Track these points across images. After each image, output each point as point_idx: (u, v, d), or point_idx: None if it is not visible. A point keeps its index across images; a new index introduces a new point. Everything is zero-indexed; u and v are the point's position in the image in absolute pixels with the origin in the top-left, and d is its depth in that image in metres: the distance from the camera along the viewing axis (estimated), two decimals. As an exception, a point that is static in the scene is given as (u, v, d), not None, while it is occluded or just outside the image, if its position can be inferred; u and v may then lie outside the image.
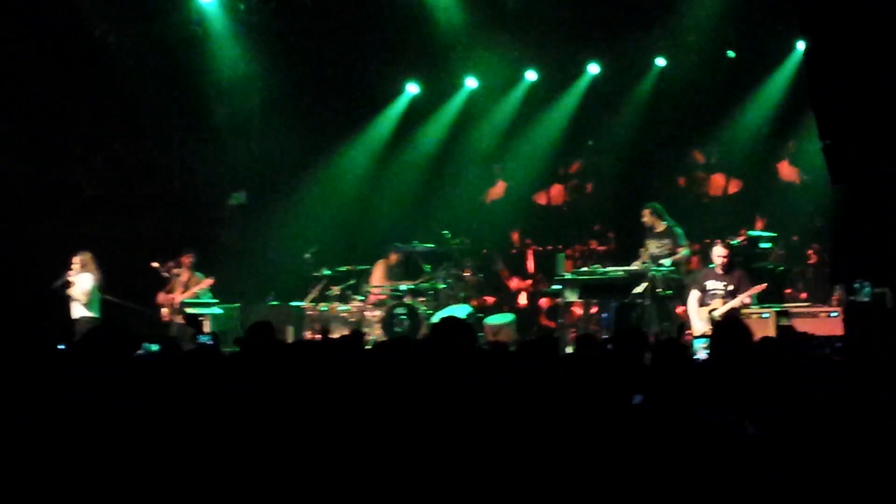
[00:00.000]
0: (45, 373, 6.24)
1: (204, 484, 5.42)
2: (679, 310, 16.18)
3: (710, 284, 15.00)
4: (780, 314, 14.43)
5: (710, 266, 15.49)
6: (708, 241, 18.88)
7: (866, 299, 13.38)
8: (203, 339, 11.54)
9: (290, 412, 5.89)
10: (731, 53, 19.44)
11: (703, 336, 13.90)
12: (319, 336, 15.13)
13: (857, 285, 13.57)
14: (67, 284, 16.92)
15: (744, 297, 14.70)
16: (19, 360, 6.52)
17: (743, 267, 15.87)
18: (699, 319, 14.91)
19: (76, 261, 16.95)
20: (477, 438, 5.43)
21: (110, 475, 5.27)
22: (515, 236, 22.55)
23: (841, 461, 5.08)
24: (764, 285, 14.93)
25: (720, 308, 14.71)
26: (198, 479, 5.44)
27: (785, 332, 7.82)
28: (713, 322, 14.46)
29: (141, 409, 5.82)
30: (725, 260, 15.01)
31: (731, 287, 14.83)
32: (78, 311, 16.89)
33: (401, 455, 5.33)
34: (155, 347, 9.89)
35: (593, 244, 21.54)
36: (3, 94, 18.66)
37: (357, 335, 13.01)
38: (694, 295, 15.19)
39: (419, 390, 5.95)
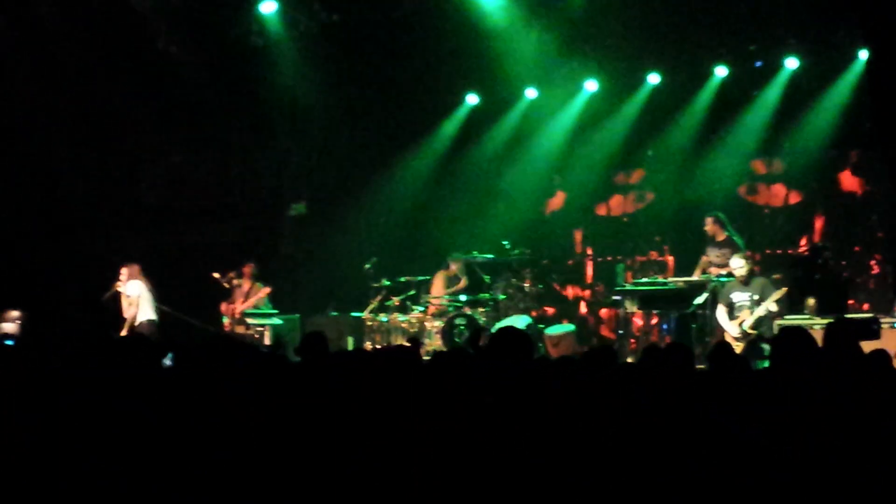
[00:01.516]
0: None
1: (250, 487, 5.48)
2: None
3: (736, 297, 14.88)
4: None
5: (733, 279, 15.44)
6: (769, 251, 18.79)
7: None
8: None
9: (344, 420, 5.92)
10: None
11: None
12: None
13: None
14: (117, 295, 17.01)
15: (767, 305, 14.54)
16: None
17: (806, 277, 15.76)
18: (732, 335, 14.77)
19: (124, 272, 17.03)
20: (530, 445, 5.45)
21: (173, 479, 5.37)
22: (578, 246, 22.47)
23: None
24: (784, 290, 14.79)
25: (748, 319, 14.57)
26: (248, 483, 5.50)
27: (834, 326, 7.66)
28: (746, 334, 14.39)
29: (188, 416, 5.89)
30: (745, 271, 14.88)
31: (756, 296, 14.70)
32: (143, 313, 16.94)
33: (449, 461, 5.35)
34: None
35: (653, 254, 21.41)
36: (66, 104, 18.85)
37: (415, 344, 13.05)
38: (721, 309, 15.07)
39: (474, 399, 5.96)
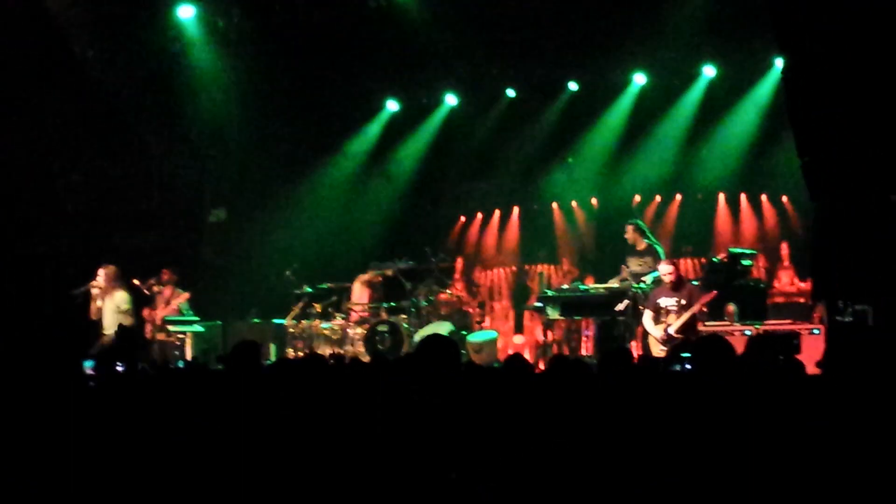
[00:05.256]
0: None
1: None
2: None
3: (663, 301, 14.94)
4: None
5: (654, 286, 15.57)
6: (689, 258, 18.99)
7: (850, 319, 13.39)
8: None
9: (274, 430, 5.92)
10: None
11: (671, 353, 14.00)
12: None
13: (841, 304, 13.58)
14: (88, 295, 16.66)
15: (694, 309, 14.63)
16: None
17: (726, 283, 15.89)
18: (657, 337, 14.86)
19: (101, 273, 16.69)
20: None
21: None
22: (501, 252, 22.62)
23: (818, 479, 5.15)
24: (713, 293, 14.87)
25: (675, 322, 14.67)
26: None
27: (755, 342, 7.80)
28: (671, 338, 14.49)
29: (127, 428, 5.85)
30: (673, 277, 14.98)
31: (683, 301, 14.78)
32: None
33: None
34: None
35: (565, 263, 21.51)
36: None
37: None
38: (648, 314, 15.14)
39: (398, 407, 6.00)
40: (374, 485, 5.40)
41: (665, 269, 15.10)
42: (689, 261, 19.94)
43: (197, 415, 6.28)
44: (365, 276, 19.50)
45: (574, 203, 22.02)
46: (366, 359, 14.85)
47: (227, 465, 5.67)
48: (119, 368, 7.79)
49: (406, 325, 18.18)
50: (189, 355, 17.33)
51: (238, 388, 7.16)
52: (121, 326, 15.16)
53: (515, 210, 22.59)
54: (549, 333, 17.88)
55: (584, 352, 17.76)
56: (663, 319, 14.88)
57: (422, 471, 5.41)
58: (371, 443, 5.63)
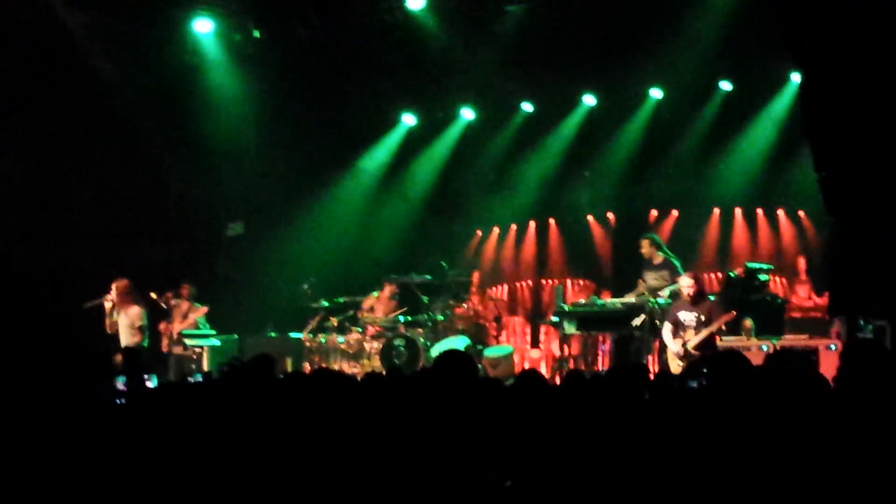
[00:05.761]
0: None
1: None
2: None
3: (683, 316, 14.81)
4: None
5: (671, 301, 15.50)
6: (705, 273, 18.94)
7: (869, 335, 13.32)
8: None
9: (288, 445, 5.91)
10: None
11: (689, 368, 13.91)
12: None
13: (860, 321, 13.51)
14: (102, 309, 16.62)
15: (713, 328, 14.50)
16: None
17: (741, 298, 15.83)
18: (674, 352, 14.76)
19: (113, 288, 16.58)
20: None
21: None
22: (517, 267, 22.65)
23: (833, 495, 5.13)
24: (732, 313, 14.74)
25: (693, 339, 14.55)
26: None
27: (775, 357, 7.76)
28: (688, 353, 14.40)
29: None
30: (693, 290, 14.85)
31: (703, 317, 14.63)
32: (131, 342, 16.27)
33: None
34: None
35: (588, 276, 21.49)
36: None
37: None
38: (667, 328, 15.01)
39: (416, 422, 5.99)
40: (384, 495, 5.39)
41: (686, 283, 14.95)
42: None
43: (209, 428, 6.26)
44: (381, 291, 19.44)
45: (590, 217, 22.01)
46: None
47: (240, 479, 5.66)
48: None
49: (422, 340, 18.19)
50: (205, 369, 17.34)
51: (251, 401, 7.15)
52: (126, 349, 15.19)
53: (532, 224, 22.60)
54: (566, 348, 17.88)
55: (600, 366, 17.69)
56: (681, 334, 14.78)
57: (430, 481, 5.41)
58: (382, 454, 5.62)
